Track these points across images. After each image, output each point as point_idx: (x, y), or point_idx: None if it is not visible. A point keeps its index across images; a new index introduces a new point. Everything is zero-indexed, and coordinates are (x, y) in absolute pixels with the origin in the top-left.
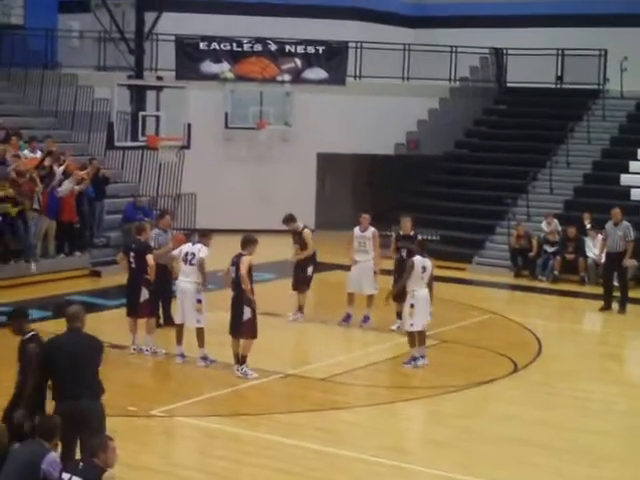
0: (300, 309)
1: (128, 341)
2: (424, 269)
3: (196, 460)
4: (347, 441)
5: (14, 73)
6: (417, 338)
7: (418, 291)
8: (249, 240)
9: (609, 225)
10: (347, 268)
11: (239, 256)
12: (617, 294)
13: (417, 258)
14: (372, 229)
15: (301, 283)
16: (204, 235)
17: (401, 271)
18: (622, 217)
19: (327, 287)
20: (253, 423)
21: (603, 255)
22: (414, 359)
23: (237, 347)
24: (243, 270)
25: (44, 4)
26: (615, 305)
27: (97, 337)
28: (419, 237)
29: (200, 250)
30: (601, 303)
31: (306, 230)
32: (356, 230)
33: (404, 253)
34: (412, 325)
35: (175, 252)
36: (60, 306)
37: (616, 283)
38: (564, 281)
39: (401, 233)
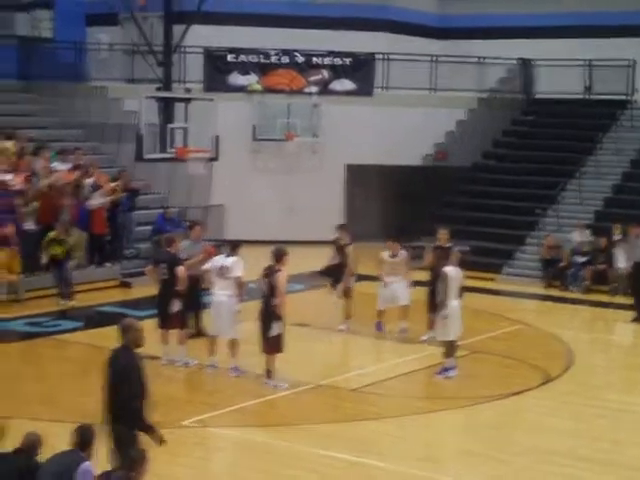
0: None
1: (159, 352)
2: (457, 279)
3: (228, 471)
4: (379, 452)
5: (44, 86)
6: (452, 348)
7: (451, 302)
8: (283, 253)
9: (631, 238)
10: (375, 279)
11: (273, 270)
12: None
13: (449, 268)
14: (403, 253)
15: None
16: (235, 246)
17: (435, 281)
18: None
19: (357, 298)
20: (285, 434)
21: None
22: (446, 370)
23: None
24: (282, 288)
25: (73, 17)
26: None
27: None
28: (456, 249)
29: (235, 265)
30: (632, 314)
31: (350, 247)
32: (385, 255)
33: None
34: (446, 335)
35: (207, 265)
36: (90, 317)
37: None
38: (595, 292)
39: (438, 244)
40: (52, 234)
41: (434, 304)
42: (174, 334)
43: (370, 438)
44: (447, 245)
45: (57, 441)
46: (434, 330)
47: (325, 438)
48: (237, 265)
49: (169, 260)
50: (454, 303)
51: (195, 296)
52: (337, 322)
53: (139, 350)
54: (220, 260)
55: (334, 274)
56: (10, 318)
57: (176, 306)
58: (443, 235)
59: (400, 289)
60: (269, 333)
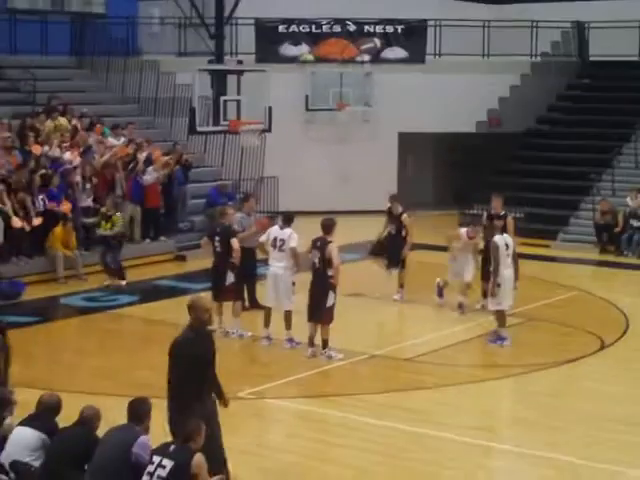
0: (401, 287)
1: (214, 324)
2: (507, 246)
3: (285, 441)
4: (435, 421)
5: (96, 62)
6: (504, 317)
7: (503, 270)
8: (332, 224)
9: None
10: (430, 248)
11: (324, 241)
12: None
13: (498, 237)
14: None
15: (400, 262)
16: (288, 218)
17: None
18: None
19: (412, 267)
20: (341, 404)
21: None
22: (500, 338)
23: (315, 331)
24: (336, 260)
25: None
26: None
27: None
28: (508, 217)
29: (290, 237)
30: None
31: (405, 215)
32: (463, 234)
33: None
34: (499, 304)
35: (263, 237)
36: (146, 291)
37: None
38: None
39: (492, 212)
40: (102, 209)
41: (488, 272)
42: (228, 306)
43: (425, 407)
44: (501, 213)
45: (114, 415)
46: (487, 299)
47: (380, 408)
48: (292, 237)
49: (223, 232)
50: (505, 272)
51: (249, 268)
52: (392, 292)
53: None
54: (275, 232)
55: (384, 250)
56: (68, 293)
57: (230, 278)
58: (497, 202)
59: (467, 264)
60: (326, 304)
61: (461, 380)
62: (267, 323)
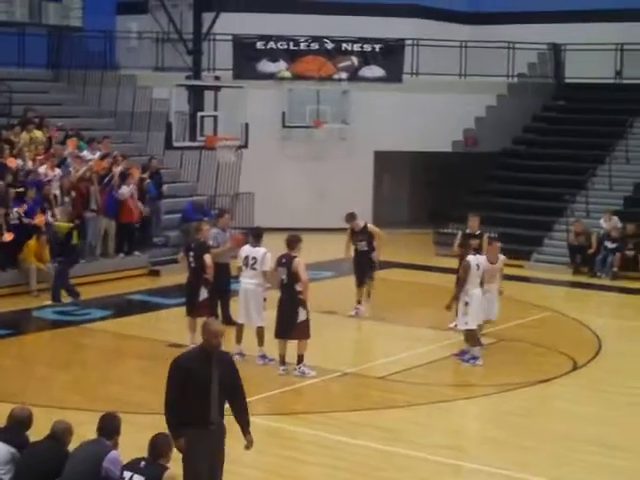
0: (368, 295)
1: (187, 340)
2: (478, 267)
3: (255, 458)
4: (406, 439)
5: (73, 75)
6: (475, 336)
7: (472, 290)
8: (297, 240)
9: None
10: (404, 266)
11: (289, 257)
12: None
13: (471, 257)
14: (502, 258)
15: (371, 273)
16: (258, 234)
17: None
18: None
19: (385, 285)
20: (312, 422)
21: None
22: (473, 357)
23: (284, 348)
24: (304, 275)
25: (102, 6)
26: None
27: None
28: (485, 235)
29: (264, 258)
30: None
31: (370, 224)
32: (482, 261)
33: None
34: (467, 323)
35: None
36: (119, 305)
37: None
38: (623, 278)
39: (468, 232)
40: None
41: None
42: (202, 322)
43: (397, 426)
44: (477, 232)
45: (85, 429)
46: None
47: (352, 426)
48: (266, 258)
49: (197, 248)
50: (475, 292)
51: (223, 284)
52: (368, 309)
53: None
54: (247, 250)
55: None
56: (41, 307)
57: (204, 294)
58: (474, 222)
59: (494, 300)
60: (297, 319)
61: (433, 399)
62: (239, 339)
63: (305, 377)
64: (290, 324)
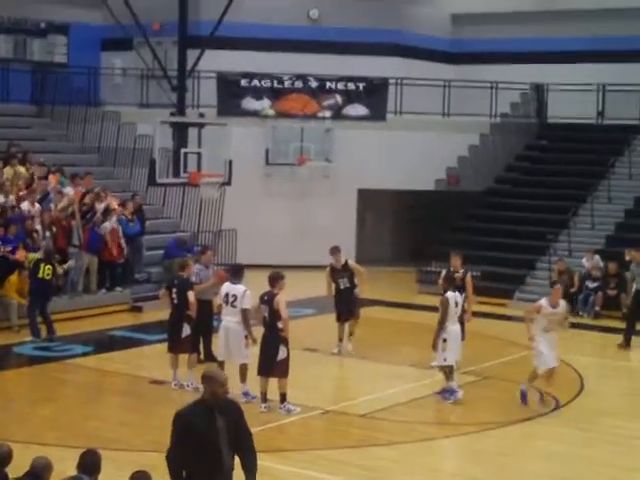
0: (351, 334)
1: (169, 377)
2: (456, 304)
3: None
4: (387, 478)
5: (57, 111)
6: (452, 371)
7: (450, 326)
8: (279, 277)
9: (633, 265)
10: (387, 304)
11: (271, 295)
12: None
13: (450, 294)
14: (563, 303)
15: (356, 309)
16: (237, 271)
17: None
18: None
19: (367, 323)
20: (294, 459)
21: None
22: (452, 392)
23: (266, 386)
24: (284, 313)
25: (87, 43)
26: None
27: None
28: (468, 275)
29: (244, 296)
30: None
31: (350, 261)
32: (545, 306)
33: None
34: (445, 360)
35: (218, 297)
36: (101, 341)
37: None
38: (606, 317)
39: (451, 270)
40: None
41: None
42: (184, 358)
43: (379, 464)
44: (460, 271)
45: (65, 466)
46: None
47: (333, 464)
48: (246, 296)
49: (180, 284)
50: (452, 328)
51: (206, 320)
52: (351, 347)
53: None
54: (227, 287)
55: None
56: (21, 342)
57: (186, 330)
58: (456, 261)
59: (554, 346)
60: (278, 357)
61: (414, 437)
62: None
63: (289, 414)
64: (270, 361)
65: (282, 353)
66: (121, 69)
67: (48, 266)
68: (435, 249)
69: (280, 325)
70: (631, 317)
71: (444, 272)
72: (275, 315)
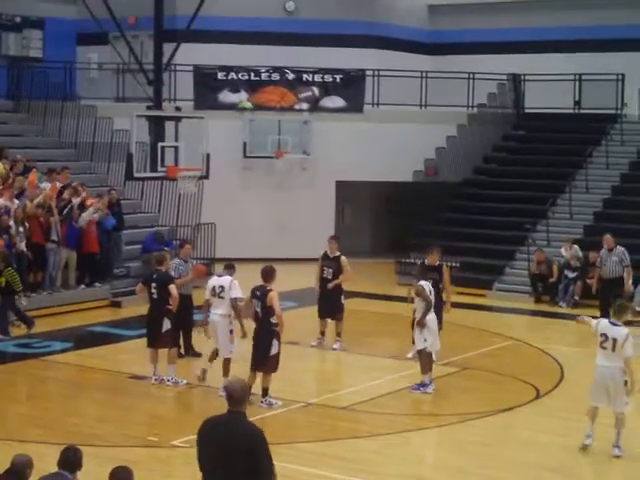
0: (339, 335)
1: (149, 372)
2: (430, 292)
3: None
4: (369, 470)
5: (34, 106)
6: (428, 362)
7: (429, 314)
8: (271, 271)
9: (603, 252)
10: (367, 296)
11: (264, 290)
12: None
13: (423, 282)
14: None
15: (339, 310)
16: (229, 267)
17: None
18: (615, 242)
19: (348, 315)
20: (276, 452)
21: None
22: (423, 385)
23: (253, 379)
24: (278, 309)
25: (63, 37)
26: None
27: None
28: (444, 267)
29: (231, 285)
30: None
31: (344, 257)
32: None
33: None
34: (425, 340)
35: (206, 292)
36: (80, 337)
37: None
38: (585, 306)
39: (426, 263)
40: None
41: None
42: (163, 353)
43: (361, 456)
44: (436, 264)
45: (45, 463)
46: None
47: (315, 457)
48: (233, 285)
49: (160, 279)
50: (431, 315)
51: (185, 315)
52: (330, 341)
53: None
54: (214, 281)
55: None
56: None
57: (167, 325)
58: (434, 255)
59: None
60: (270, 352)
61: (396, 429)
62: (212, 359)
63: (273, 408)
64: (263, 356)
65: (275, 348)
66: (97, 63)
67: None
68: (414, 240)
69: (273, 320)
70: (603, 306)
71: (418, 265)
72: (268, 310)
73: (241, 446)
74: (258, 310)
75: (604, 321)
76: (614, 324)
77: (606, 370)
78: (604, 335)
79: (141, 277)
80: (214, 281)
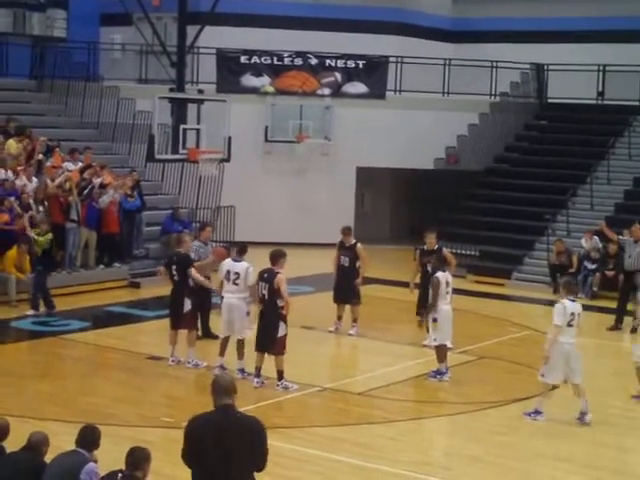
0: (355, 321)
1: (166, 353)
2: (447, 284)
3: None
4: (384, 456)
5: (56, 85)
6: (443, 352)
7: (441, 306)
8: (280, 255)
9: (629, 242)
10: (386, 282)
11: (271, 273)
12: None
13: (440, 274)
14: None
15: (354, 296)
16: (242, 249)
17: (426, 285)
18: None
19: (366, 301)
20: (291, 436)
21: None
22: (439, 373)
23: (262, 361)
24: (285, 292)
25: (87, 17)
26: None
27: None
28: (443, 250)
29: (247, 272)
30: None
31: (359, 245)
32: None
33: (429, 268)
34: (435, 340)
35: (219, 274)
36: (99, 317)
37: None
38: (603, 298)
39: (425, 248)
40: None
41: (421, 307)
42: (182, 335)
43: (375, 442)
44: (434, 248)
45: (63, 441)
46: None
47: (331, 441)
48: (248, 273)
49: (180, 261)
50: (444, 308)
51: (204, 298)
52: (347, 326)
53: None
54: (228, 265)
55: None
56: (19, 317)
57: (188, 305)
58: (431, 239)
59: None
60: (277, 334)
61: (411, 416)
62: (222, 352)
63: (286, 392)
64: (270, 338)
65: (282, 330)
66: (120, 44)
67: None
68: (434, 228)
69: (280, 303)
70: (622, 297)
71: (417, 251)
72: (275, 293)
73: (244, 444)
74: (265, 292)
75: (568, 302)
76: (573, 300)
77: (570, 347)
78: (573, 314)
79: (160, 259)
80: (229, 265)
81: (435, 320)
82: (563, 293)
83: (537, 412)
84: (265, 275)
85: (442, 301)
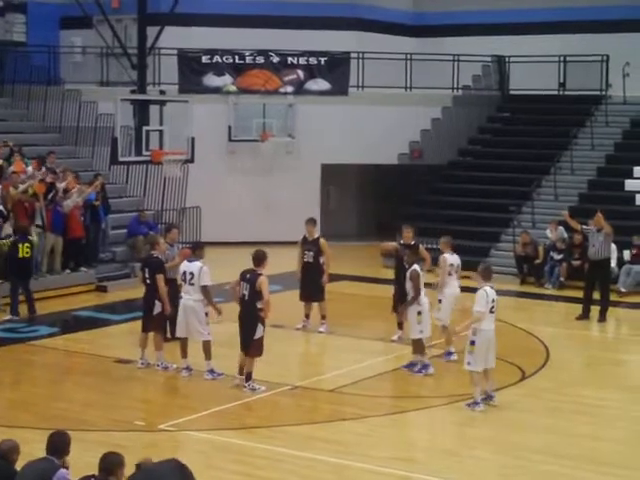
0: (324, 317)
1: (134, 356)
2: (424, 276)
3: (206, 474)
4: (357, 452)
5: (17, 90)
6: (422, 345)
7: (423, 298)
8: (263, 256)
9: (592, 232)
10: (352, 278)
11: (254, 274)
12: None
13: (417, 267)
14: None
15: (319, 292)
16: (197, 248)
17: (402, 281)
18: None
19: (333, 298)
20: (263, 436)
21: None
22: (424, 367)
23: (244, 361)
24: (267, 295)
25: (46, 21)
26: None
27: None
28: (420, 246)
29: (201, 272)
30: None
31: (322, 239)
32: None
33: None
34: (422, 332)
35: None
36: (66, 322)
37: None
38: (570, 287)
39: (402, 242)
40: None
41: (398, 303)
42: (152, 337)
43: (347, 439)
44: (411, 242)
45: (34, 448)
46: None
47: (303, 439)
48: (203, 272)
49: (151, 265)
50: (425, 300)
51: (171, 299)
52: (315, 323)
53: None
54: (184, 266)
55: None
56: None
57: (158, 308)
58: (408, 233)
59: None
60: (255, 336)
61: (383, 411)
62: (184, 354)
63: (254, 393)
64: (247, 340)
65: (259, 332)
66: (81, 47)
67: (26, 244)
68: (400, 223)
69: (259, 305)
70: (587, 287)
71: (398, 246)
72: (256, 294)
73: None
74: (245, 293)
75: (488, 289)
76: (492, 287)
77: (491, 333)
78: (494, 300)
79: (126, 262)
80: (184, 266)
81: (420, 313)
82: (481, 279)
83: (476, 403)
84: (247, 276)
85: (422, 293)
